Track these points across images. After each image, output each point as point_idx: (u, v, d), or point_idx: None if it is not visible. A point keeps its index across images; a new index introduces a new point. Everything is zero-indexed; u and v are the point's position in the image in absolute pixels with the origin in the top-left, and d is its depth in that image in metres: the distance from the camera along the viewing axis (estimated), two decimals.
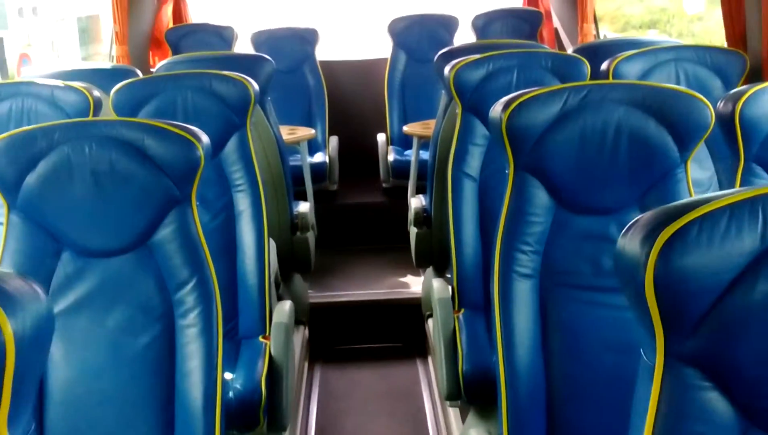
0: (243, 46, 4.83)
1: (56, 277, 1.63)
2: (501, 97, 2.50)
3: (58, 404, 1.60)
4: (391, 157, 4.41)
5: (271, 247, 2.74)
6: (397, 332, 3.60)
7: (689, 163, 1.74)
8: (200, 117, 2.36)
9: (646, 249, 0.93)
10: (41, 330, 0.85)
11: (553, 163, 1.71)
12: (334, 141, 4.64)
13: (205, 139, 1.69)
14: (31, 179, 1.62)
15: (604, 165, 1.70)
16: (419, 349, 3.47)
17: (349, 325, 3.63)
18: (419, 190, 3.79)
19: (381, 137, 4.68)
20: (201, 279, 1.65)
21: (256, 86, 2.43)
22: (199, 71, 2.48)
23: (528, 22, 4.81)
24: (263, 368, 2.08)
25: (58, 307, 1.61)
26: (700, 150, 2.39)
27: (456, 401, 2.33)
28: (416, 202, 3.38)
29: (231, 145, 2.40)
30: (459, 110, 2.55)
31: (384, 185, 4.51)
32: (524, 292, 1.69)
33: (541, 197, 1.73)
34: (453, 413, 2.56)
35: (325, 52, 4.94)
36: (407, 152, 4.49)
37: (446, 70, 2.58)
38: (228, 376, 2.05)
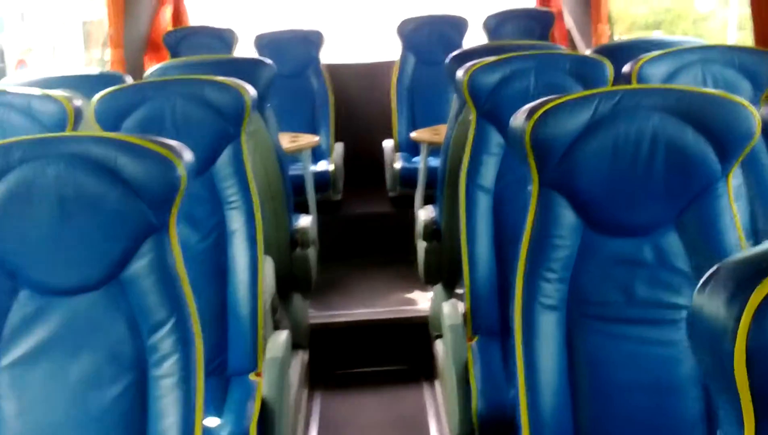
0: (245, 49, 4.65)
1: (10, 319, 1.43)
2: (518, 102, 2.33)
3: None
4: (398, 165, 4.22)
5: (268, 266, 2.56)
6: (403, 354, 3.40)
7: (731, 177, 1.55)
8: (190, 127, 2.18)
9: (734, 311, 0.72)
10: None
11: (582, 179, 1.52)
12: (339, 148, 4.46)
13: (187, 156, 1.50)
14: None
15: (638, 180, 1.51)
16: (426, 372, 3.27)
17: (351, 347, 3.44)
18: (428, 200, 3.60)
19: (388, 144, 4.49)
20: (179, 320, 1.45)
21: (253, 92, 2.24)
22: (190, 77, 2.30)
23: (540, 23, 4.63)
24: (254, 411, 1.88)
25: (13, 354, 1.42)
26: None
27: None
28: (425, 213, 3.19)
29: (224, 158, 2.21)
30: (473, 117, 2.36)
31: (390, 194, 4.31)
32: (549, 325, 1.50)
33: (567, 217, 1.54)
34: None
35: (330, 55, 4.76)
36: (415, 159, 4.31)
37: (459, 73, 2.39)
38: (214, 421, 1.85)
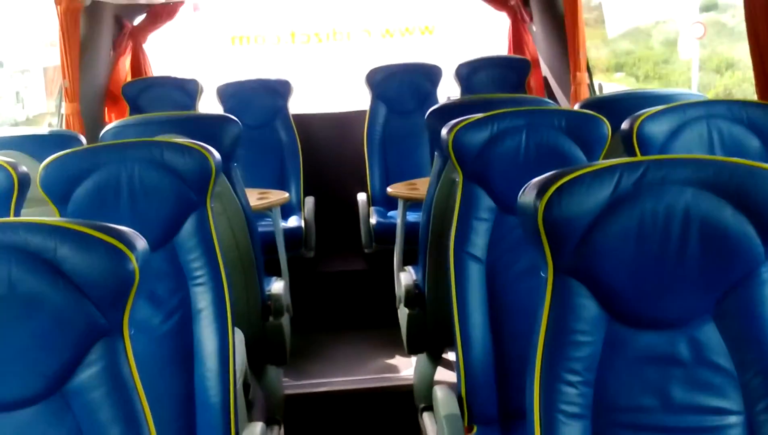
0: (209, 100, 4.43)
1: None
2: (508, 164, 2.16)
3: None
4: (373, 220, 4.01)
5: (239, 341, 2.31)
6: (386, 427, 3.15)
7: None
8: (149, 195, 1.94)
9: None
10: None
11: (605, 264, 1.31)
12: (309, 202, 4.23)
13: (141, 245, 1.26)
14: None
15: (669, 265, 1.31)
16: None
17: (330, 419, 3.19)
18: (406, 258, 3.38)
19: (361, 197, 4.28)
20: None
21: (217, 156, 2.02)
22: (149, 139, 2.07)
23: (515, 71, 4.52)
24: None
25: None
26: None
27: None
28: (406, 277, 2.98)
29: (188, 228, 1.97)
30: (459, 179, 2.16)
31: (366, 250, 4.09)
32: None
33: (589, 309, 1.33)
34: None
35: (298, 105, 4.56)
36: (391, 214, 4.11)
37: (444, 132, 2.19)
38: None
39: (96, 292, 1.21)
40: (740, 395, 1.31)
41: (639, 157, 1.33)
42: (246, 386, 2.49)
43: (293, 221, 4.05)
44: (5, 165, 1.95)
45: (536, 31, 4.60)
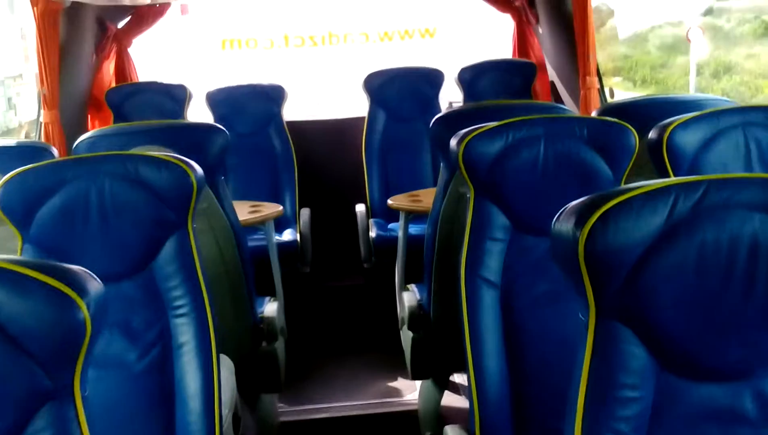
0: (199, 107, 4.22)
1: None
2: (525, 177, 1.95)
3: None
4: (372, 233, 3.80)
5: (228, 370, 2.10)
6: None
7: None
8: (123, 216, 1.73)
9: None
10: None
11: (657, 304, 1.09)
12: (305, 214, 4.02)
13: (94, 287, 1.05)
14: None
15: (733, 304, 1.10)
16: None
17: None
18: (409, 274, 3.16)
19: (360, 208, 4.06)
20: None
21: (200, 171, 1.80)
22: (121, 153, 1.85)
23: (521, 76, 4.33)
24: None
25: None
26: None
27: None
28: (409, 297, 2.76)
29: (167, 252, 1.76)
30: (471, 194, 1.95)
31: (365, 265, 3.87)
32: None
33: (637, 357, 1.11)
34: None
35: (293, 111, 4.36)
36: (391, 226, 3.89)
37: (453, 142, 1.98)
38: None
39: (37, 348, 0.99)
40: None
41: (697, 177, 1.11)
42: (236, 419, 2.28)
43: (288, 235, 3.84)
44: None
45: (542, 34, 4.40)
